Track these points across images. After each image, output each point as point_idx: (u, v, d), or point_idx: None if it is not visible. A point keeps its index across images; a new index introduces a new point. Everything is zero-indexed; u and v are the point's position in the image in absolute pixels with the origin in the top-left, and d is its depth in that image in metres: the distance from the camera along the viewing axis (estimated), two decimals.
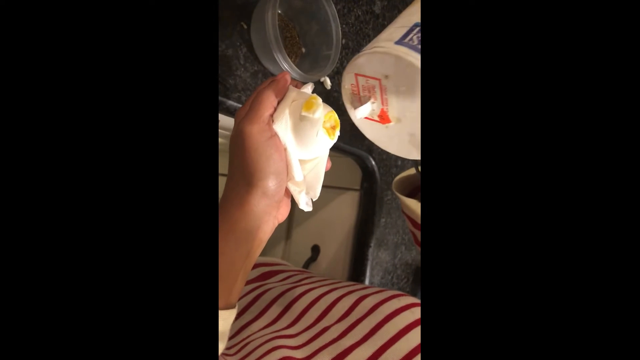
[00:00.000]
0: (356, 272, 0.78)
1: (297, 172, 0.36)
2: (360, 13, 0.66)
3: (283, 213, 0.37)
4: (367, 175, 0.79)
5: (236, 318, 0.49)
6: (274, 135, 0.34)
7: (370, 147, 0.74)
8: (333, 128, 0.36)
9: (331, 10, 0.53)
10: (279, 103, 0.35)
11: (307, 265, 0.84)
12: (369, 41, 0.67)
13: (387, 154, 0.79)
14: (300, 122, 0.35)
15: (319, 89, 0.61)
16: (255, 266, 0.60)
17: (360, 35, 0.67)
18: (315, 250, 0.85)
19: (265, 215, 0.35)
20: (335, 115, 0.36)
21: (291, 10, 0.56)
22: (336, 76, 0.63)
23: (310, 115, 0.34)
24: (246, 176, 0.34)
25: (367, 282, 0.78)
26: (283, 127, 0.34)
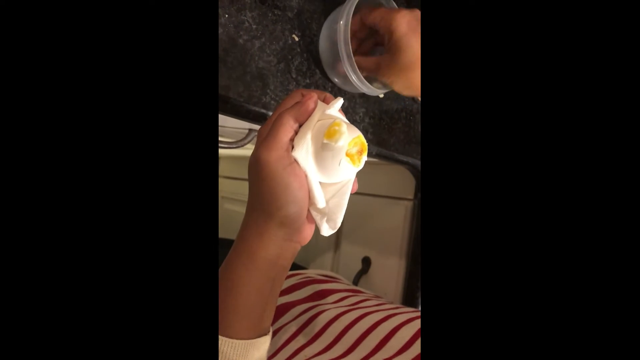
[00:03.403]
0: (411, 288, 0.74)
1: (320, 199, 0.34)
2: None
3: (305, 236, 0.36)
4: None
5: (290, 339, 0.48)
6: (293, 162, 0.32)
7: None
8: (360, 153, 0.33)
9: None
10: (302, 125, 0.33)
11: (358, 277, 0.82)
12: None
13: None
14: (322, 149, 0.32)
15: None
16: (307, 283, 0.58)
17: None
18: (366, 262, 0.83)
19: (285, 243, 0.34)
20: (363, 139, 0.33)
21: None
22: None
23: (332, 144, 0.31)
24: (263, 205, 0.32)
25: None
26: (304, 153, 0.32)
